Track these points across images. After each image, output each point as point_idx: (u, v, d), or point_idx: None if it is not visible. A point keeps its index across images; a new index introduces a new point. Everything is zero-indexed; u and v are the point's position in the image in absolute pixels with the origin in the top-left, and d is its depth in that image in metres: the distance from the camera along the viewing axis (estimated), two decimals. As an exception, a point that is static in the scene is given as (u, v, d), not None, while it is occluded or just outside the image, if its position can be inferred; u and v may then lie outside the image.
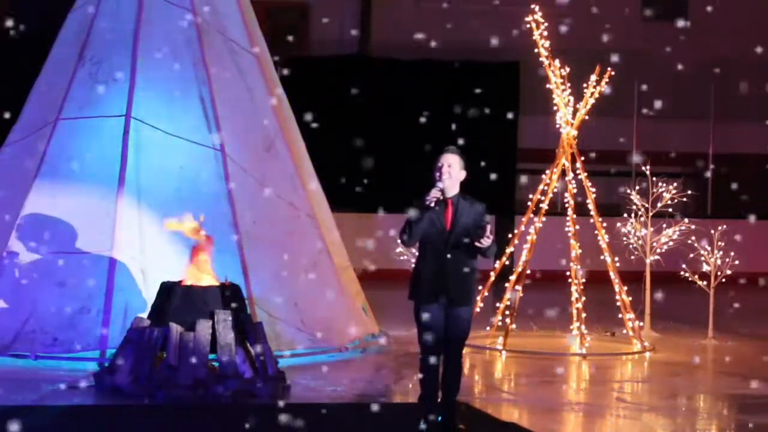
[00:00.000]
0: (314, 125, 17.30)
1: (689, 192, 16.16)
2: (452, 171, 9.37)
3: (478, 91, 22.51)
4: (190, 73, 13.49)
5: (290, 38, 23.29)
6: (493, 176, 22.55)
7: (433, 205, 9.29)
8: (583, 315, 14.43)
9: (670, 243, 15.80)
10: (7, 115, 14.48)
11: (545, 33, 14.59)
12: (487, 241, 9.27)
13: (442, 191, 9.35)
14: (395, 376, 12.72)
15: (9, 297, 12.79)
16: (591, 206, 14.89)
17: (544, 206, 14.86)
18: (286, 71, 20.57)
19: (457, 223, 9.36)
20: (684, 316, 16.74)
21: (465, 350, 14.32)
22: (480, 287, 14.98)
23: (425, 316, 9.43)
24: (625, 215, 16.07)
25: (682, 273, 15.79)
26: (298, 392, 11.39)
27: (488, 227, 9.33)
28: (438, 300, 9.42)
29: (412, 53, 22.88)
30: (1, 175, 13.64)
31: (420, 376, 9.57)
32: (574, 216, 14.78)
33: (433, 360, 9.49)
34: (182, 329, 11.11)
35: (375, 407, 10.66)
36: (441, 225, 9.36)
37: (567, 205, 14.82)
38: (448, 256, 9.36)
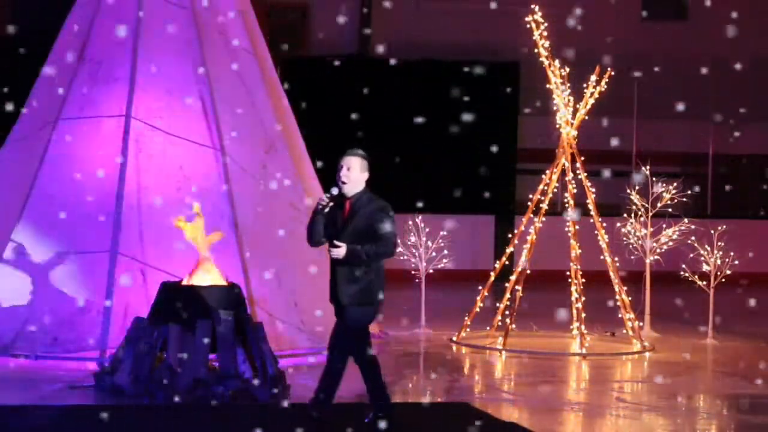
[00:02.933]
0: (314, 125, 17.30)
1: (689, 192, 16.17)
2: (351, 174, 9.29)
3: (478, 91, 22.53)
4: (190, 73, 13.49)
5: (290, 38, 23.28)
6: (493, 176, 22.68)
7: (320, 208, 9.24)
8: (583, 315, 14.45)
9: (670, 243, 15.81)
10: (7, 114, 14.48)
11: (545, 33, 14.60)
12: (336, 252, 9.17)
13: (333, 196, 9.27)
14: (395, 376, 12.72)
15: (9, 297, 12.79)
16: (591, 206, 14.90)
17: (544, 206, 14.86)
18: (286, 71, 20.57)
19: (348, 224, 9.27)
20: (684, 316, 16.73)
21: (465, 350, 14.42)
22: (480, 287, 15.01)
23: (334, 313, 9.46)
24: (625, 215, 16.07)
25: (682, 273, 15.80)
26: (298, 392, 11.38)
27: (344, 248, 9.16)
28: (334, 300, 9.49)
29: (412, 53, 22.87)
30: (1, 175, 13.64)
31: None
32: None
33: (329, 358, 9.60)
34: (182, 329, 11.11)
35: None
36: (337, 226, 9.30)
37: (567, 205, 14.83)
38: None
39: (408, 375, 12.84)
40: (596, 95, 14.77)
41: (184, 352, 10.99)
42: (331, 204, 9.29)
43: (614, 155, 23.18)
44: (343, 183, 9.30)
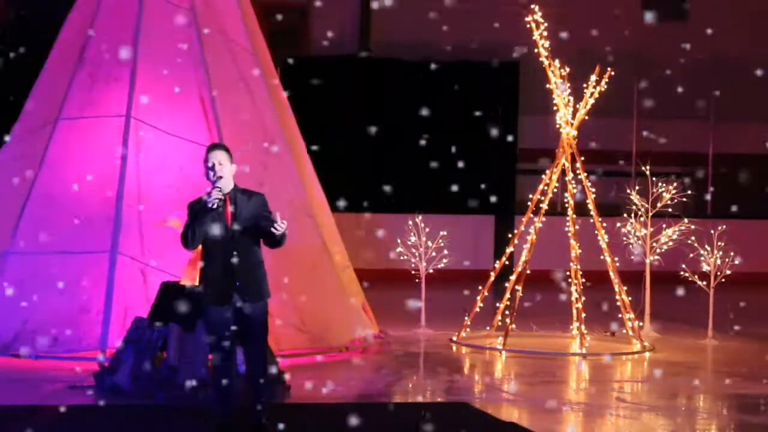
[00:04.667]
0: (314, 125, 17.29)
1: (689, 192, 16.16)
2: (224, 168, 9.22)
3: (478, 91, 22.55)
4: (190, 73, 13.48)
5: (290, 38, 23.28)
6: (493, 176, 22.68)
7: (215, 206, 9.13)
8: (583, 315, 14.46)
9: (670, 243, 15.81)
10: (8, 114, 14.48)
11: (545, 33, 14.60)
12: (282, 227, 9.11)
13: (220, 189, 9.22)
14: (395, 376, 12.72)
15: (9, 297, 12.79)
16: (591, 206, 14.89)
17: (544, 206, 14.86)
18: (286, 71, 20.57)
19: (238, 218, 9.18)
20: (684, 316, 16.73)
21: (465, 350, 14.43)
22: (480, 287, 15.01)
23: (214, 318, 9.22)
24: (625, 215, 16.07)
25: (682, 273, 15.79)
26: (298, 392, 11.39)
27: (277, 214, 9.14)
28: (229, 301, 9.19)
29: (412, 53, 22.88)
30: (1, 175, 13.64)
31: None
32: (574, 216, 14.79)
33: (222, 362, 9.29)
34: (182, 329, 11.11)
35: (375, 407, 10.66)
36: (221, 222, 9.19)
37: (567, 205, 14.83)
38: (234, 253, 9.17)
39: (408, 375, 12.83)
40: (596, 95, 14.77)
41: (184, 352, 10.99)
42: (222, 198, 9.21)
43: (614, 155, 23.19)
44: (220, 177, 9.18)
